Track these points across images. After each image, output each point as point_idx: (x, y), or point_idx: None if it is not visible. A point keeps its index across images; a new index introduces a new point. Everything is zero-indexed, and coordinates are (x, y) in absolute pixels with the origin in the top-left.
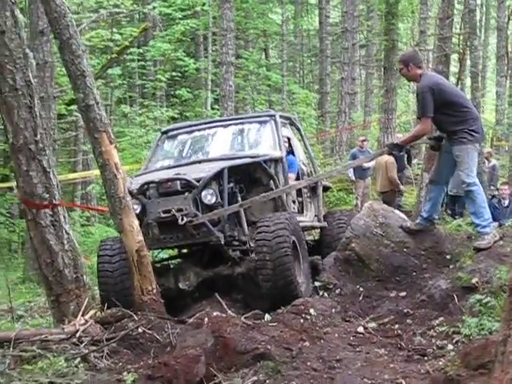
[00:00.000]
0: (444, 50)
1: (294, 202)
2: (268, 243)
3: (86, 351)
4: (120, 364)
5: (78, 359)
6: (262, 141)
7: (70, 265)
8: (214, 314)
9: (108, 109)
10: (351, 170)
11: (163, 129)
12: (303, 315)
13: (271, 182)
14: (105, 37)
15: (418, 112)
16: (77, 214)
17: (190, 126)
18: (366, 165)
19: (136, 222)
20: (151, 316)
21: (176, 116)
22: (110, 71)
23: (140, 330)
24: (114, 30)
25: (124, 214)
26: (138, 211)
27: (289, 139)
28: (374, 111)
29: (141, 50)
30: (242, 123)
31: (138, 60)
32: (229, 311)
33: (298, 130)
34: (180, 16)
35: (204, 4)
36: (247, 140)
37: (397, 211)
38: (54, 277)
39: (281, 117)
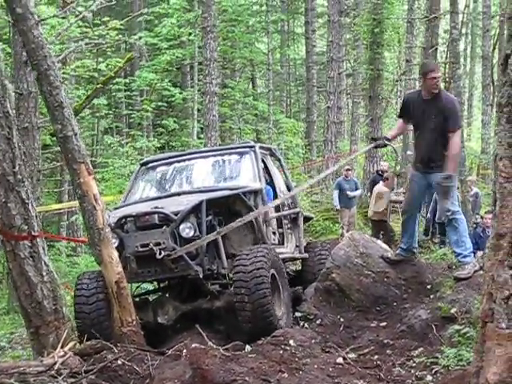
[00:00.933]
0: None
1: (274, 233)
2: (246, 284)
3: None
4: None
5: None
6: (242, 172)
7: (49, 296)
8: (193, 345)
9: (94, 139)
10: (337, 199)
11: (142, 160)
12: (283, 346)
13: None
14: (90, 67)
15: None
16: (63, 244)
17: (170, 157)
18: (351, 194)
19: (115, 254)
20: (131, 348)
21: (161, 146)
22: (96, 101)
23: (119, 361)
24: (100, 59)
25: (103, 245)
26: (115, 245)
27: (271, 178)
28: (360, 140)
29: (127, 80)
30: (221, 154)
31: (125, 90)
32: (209, 342)
33: (279, 160)
34: (166, 46)
35: (190, 34)
36: (227, 171)
37: (378, 241)
38: (33, 308)
39: (261, 148)
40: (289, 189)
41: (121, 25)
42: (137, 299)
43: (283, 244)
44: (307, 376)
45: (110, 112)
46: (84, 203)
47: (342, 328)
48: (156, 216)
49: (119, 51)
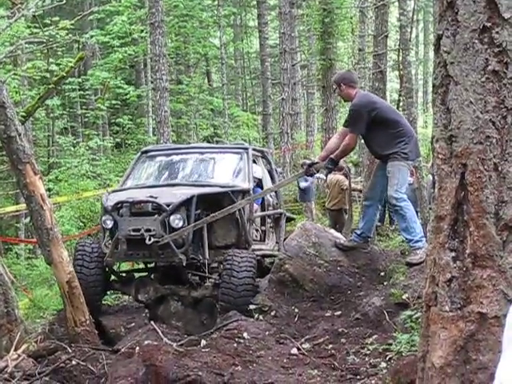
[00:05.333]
0: (379, 66)
1: (257, 230)
2: (233, 293)
3: None
4: None
5: None
6: (233, 172)
7: (0, 299)
8: (146, 342)
9: (50, 139)
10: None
11: (143, 148)
12: (237, 339)
13: (237, 212)
14: (42, 68)
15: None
16: (21, 247)
17: (169, 149)
18: (301, 185)
19: (65, 253)
20: (85, 347)
21: (117, 144)
22: (50, 102)
23: (74, 361)
24: (51, 60)
25: (52, 245)
26: (109, 226)
27: (260, 180)
28: (317, 131)
29: (80, 80)
30: (217, 152)
31: (78, 89)
32: (164, 339)
33: (269, 163)
34: (118, 44)
35: (142, 31)
36: (220, 169)
37: (331, 230)
38: None
39: (254, 150)
40: (275, 191)
41: (72, 24)
42: (123, 275)
43: (264, 241)
44: (261, 368)
45: (65, 112)
46: (31, 203)
47: (296, 319)
48: (150, 204)
49: (71, 51)
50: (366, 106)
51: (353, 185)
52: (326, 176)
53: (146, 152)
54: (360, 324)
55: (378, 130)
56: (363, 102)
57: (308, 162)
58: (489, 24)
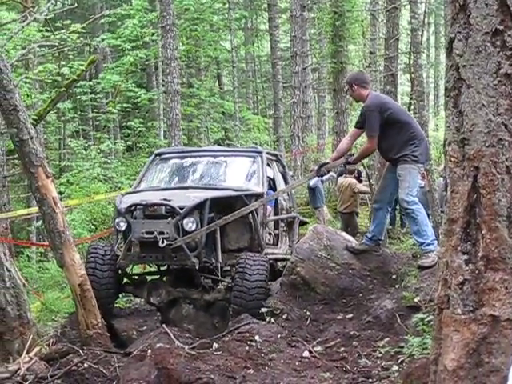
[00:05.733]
0: (390, 69)
1: (270, 234)
2: (245, 296)
3: None
4: None
5: None
6: (247, 175)
7: (12, 302)
8: (158, 345)
9: (62, 143)
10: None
11: (157, 151)
12: (249, 342)
13: (250, 215)
14: (53, 71)
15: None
16: (32, 250)
17: (183, 151)
18: (310, 182)
19: (77, 256)
20: (97, 350)
21: (123, 147)
22: (61, 105)
23: (86, 364)
24: (63, 63)
25: (65, 248)
26: (123, 228)
27: (273, 180)
28: (328, 134)
29: (91, 83)
30: (230, 156)
31: (90, 93)
32: (176, 342)
33: (283, 166)
34: (129, 47)
35: (153, 34)
36: (233, 173)
37: (343, 233)
38: None
39: (268, 153)
40: (289, 195)
41: (83, 28)
42: (135, 277)
43: (277, 245)
44: (273, 371)
45: (76, 115)
46: (43, 207)
47: (308, 321)
48: (163, 207)
49: (83, 54)
50: (379, 106)
51: (364, 188)
52: (337, 177)
53: (160, 154)
54: (372, 327)
55: (388, 132)
56: (376, 102)
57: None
58: (501, 27)
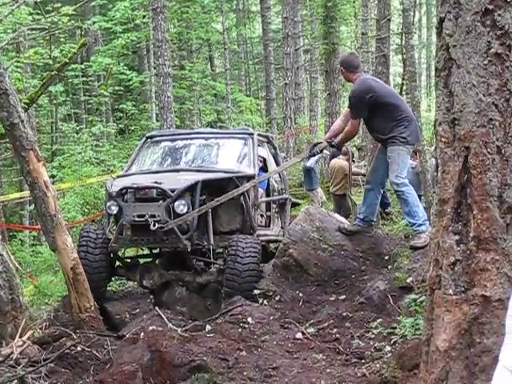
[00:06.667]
0: (382, 50)
1: (262, 215)
2: (238, 278)
3: (23, 373)
4: None
5: (15, 382)
6: (238, 157)
7: (4, 286)
8: (150, 328)
9: (54, 126)
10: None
11: (148, 134)
12: (241, 324)
13: (241, 197)
14: (45, 54)
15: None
16: (25, 234)
17: (174, 134)
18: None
19: (69, 240)
20: (90, 333)
21: (115, 130)
22: (53, 88)
23: (79, 348)
24: (54, 46)
25: (57, 232)
26: (114, 212)
27: (264, 159)
28: (321, 115)
29: (83, 66)
30: (221, 138)
31: (81, 76)
32: (169, 324)
33: (275, 148)
34: (120, 30)
35: (144, 16)
36: (224, 155)
37: (335, 214)
38: None
39: (259, 135)
40: (280, 176)
41: (74, 10)
42: (128, 260)
43: (269, 226)
44: (266, 353)
45: (68, 99)
46: (35, 190)
47: (301, 303)
48: (154, 190)
49: (74, 37)
50: (364, 91)
51: (356, 169)
52: (331, 158)
53: (151, 137)
54: (364, 308)
55: (377, 115)
56: (361, 88)
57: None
58: (491, 6)
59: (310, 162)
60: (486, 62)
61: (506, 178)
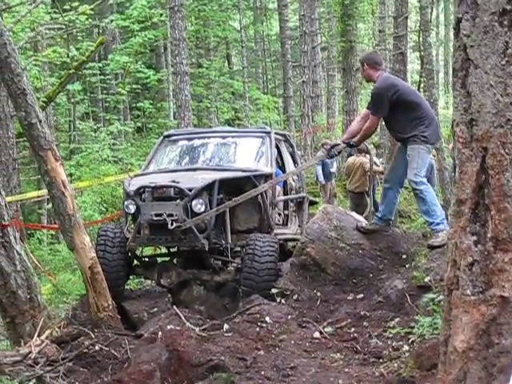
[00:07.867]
0: (400, 48)
1: (279, 214)
2: (255, 277)
3: (41, 372)
4: (76, 383)
5: (34, 381)
6: (256, 156)
7: (23, 285)
8: (168, 327)
9: (71, 125)
10: (321, 174)
11: (165, 133)
12: (259, 323)
13: (259, 196)
14: (62, 53)
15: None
16: (43, 232)
17: (191, 133)
18: (333, 169)
19: (87, 239)
20: (108, 333)
21: (132, 128)
22: (70, 87)
23: (97, 347)
24: (71, 45)
25: (75, 231)
26: (132, 211)
27: (281, 158)
28: (338, 113)
29: (100, 64)
30: (238, 136)
31: (99, 74)
32: (187, 323)
33: (292, 147)
34: (138, 28)
35: (161, 15)
36: (242, 153)
37: (353, 213)
38: (8, 298)
39: (276, 133)
40: (298, 175)
41: (91, 9)
42: (146, 259)
43: (287, 225)
44: (283, 352)
45: (86, 97)
46: (53, 190)
47: (318, 302)
48: (172, 189)
49: (92, 36)
50: (388, 89)
51: (376, 167)
52: (348, 156)
53: (168, 136)
54: (382, 307)
55: (399, 113)
56: (385, 85)
57: (329, 142)
58: (509, 7)
59: (334, 168)
60: (503, 62)
61: None
